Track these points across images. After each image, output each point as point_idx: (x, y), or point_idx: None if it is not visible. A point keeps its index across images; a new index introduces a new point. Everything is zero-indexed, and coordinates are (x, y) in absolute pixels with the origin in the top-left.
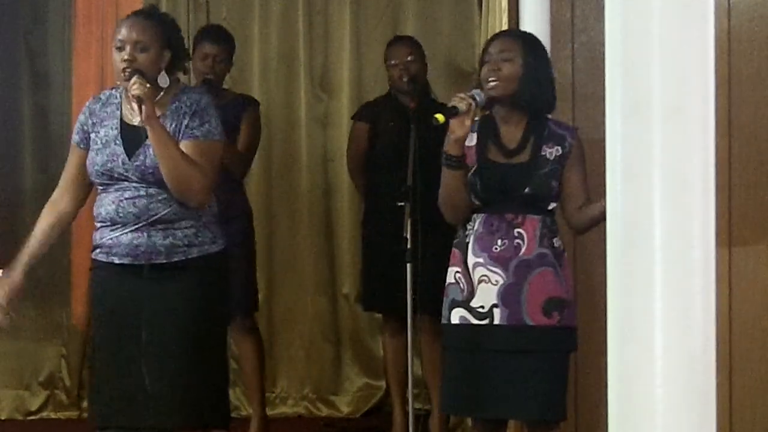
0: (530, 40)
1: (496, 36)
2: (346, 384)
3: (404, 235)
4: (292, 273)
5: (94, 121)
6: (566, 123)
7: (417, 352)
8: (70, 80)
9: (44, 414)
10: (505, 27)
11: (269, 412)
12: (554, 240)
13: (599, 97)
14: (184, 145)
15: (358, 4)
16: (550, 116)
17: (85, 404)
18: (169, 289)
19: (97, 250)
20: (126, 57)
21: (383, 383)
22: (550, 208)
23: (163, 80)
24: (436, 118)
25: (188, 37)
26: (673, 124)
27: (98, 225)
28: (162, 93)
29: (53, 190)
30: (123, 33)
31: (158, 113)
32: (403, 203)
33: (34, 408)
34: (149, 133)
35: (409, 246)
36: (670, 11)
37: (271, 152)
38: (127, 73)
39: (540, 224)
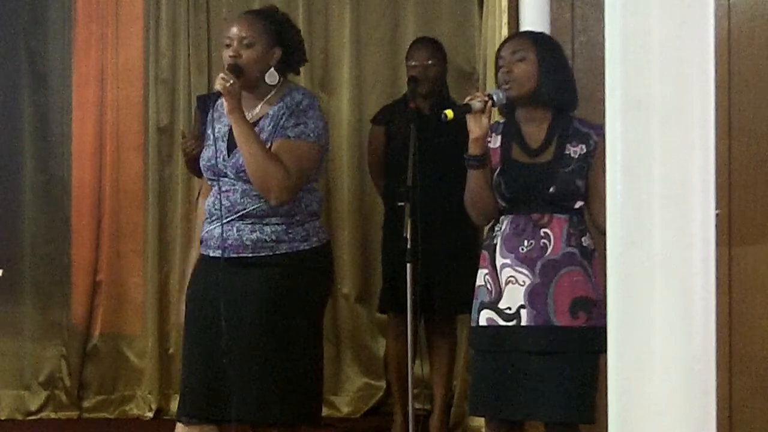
0: (543, 39)
1: (507, 39)
2: (346, 384)
3: (404, 235)
4: None
5: (214, 116)
6: (592, 122)
7: (418, 353)
8: (70, 80)
9: (44, 414)
10: (505, 27)
11: None
12: (583, 239)
13: (599, 97)
14: (276, 144)
15: (358, 4)
16: (576, 115)
17: (85, 404)
18: (253, 284)
19: (201, 243)
20: (231, 53)
21: (383, 383)
22: (576, 206)
23: (271, 77)
24: (445, 114)
25: (188, 37)
26: (673, 124)
27: (204, 219)
28: (272, 92)
29: (53, 190)
30: (230, 30)
31: (264, 112)
32: (402, 203)
33: (34, 408)
34: (233, 127)
35: (409, 246)
36: (670, 11)
37: None
38: (230, 68)
39: (567, 224)
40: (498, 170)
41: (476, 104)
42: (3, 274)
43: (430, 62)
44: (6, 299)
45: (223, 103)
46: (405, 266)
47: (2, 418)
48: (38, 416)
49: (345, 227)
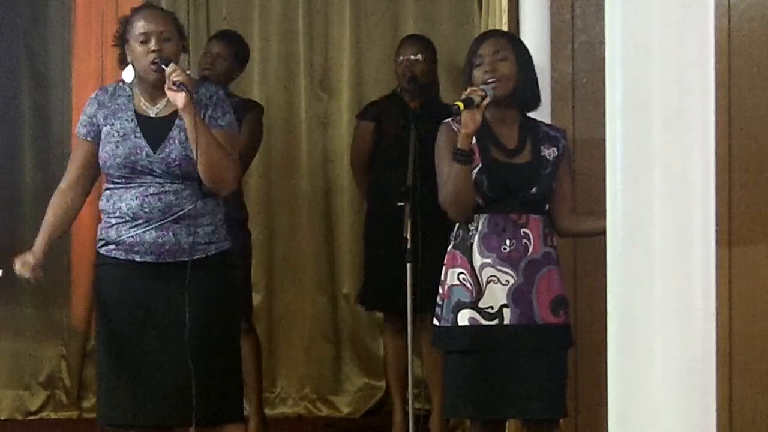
0: (517, 40)
1: (483, 37)
2: (346, 384)
3: (404, 235)
4: (292, 273)
5: (106, 113)
6: (555, 125)
7: (417, 352)
8: (70, 80)
9: (44, 414)
10: (505, 27)
11: (269, 412)
12: (554, 239)
13: (599, 97)
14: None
15: (358, 4)
16: (540, 119)
17: (85, 404)
18: (191, 287)
19: (111, 246)
20: (153, 48)
21: (383, 383)
22: (546, 208)
23: None
24: (457, 106)
25: (188, 37)
26: (673, 124)
27: (113, 221)
28: None
29: (53, 190)
30: (145, 25)
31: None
32: (402, 203)
33: (34, 408)
34: (187, 120)
35: (409, 246)
36: (670, 11)
37: (271, 152)
38: (156, 64)
39: (542, 224)
40: (479, 168)
41: (476, 98)
42: (3, 274)
43: (419, 57)
44: (6, 299)
45: (109, 100)
46: (391, 264)
47: (2, 418)
48: (38, 416)
49: (345, 227)
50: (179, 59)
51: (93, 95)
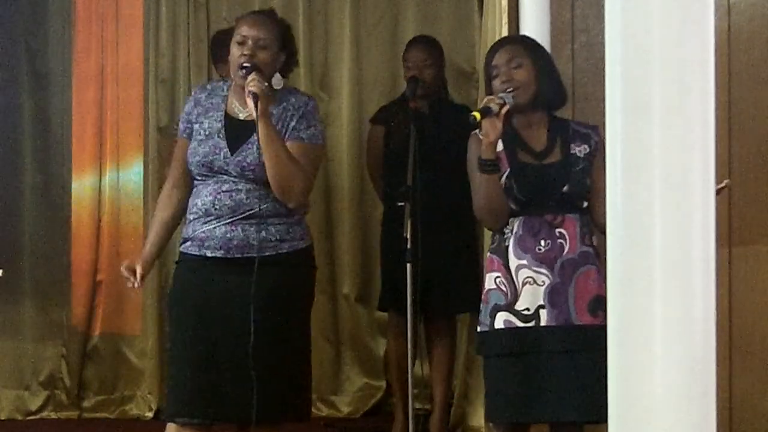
0: (532, 43)
1: (497, 47)
2: (346, 384)
3: (404, 235)
4: None
5: (199, 111)
6: (586, 123)
7: (418, 353)
8: (70, 80)
9: (44, 414)
10: (505, 27)
11: None
12: (593, 238)
13: (599, 97)
14: (290, 146)
15: (358, 4)
16: (570, 119)
17: (85, 404)
18: (260, 284)
19: (188, 243)
20: (246, 52)
21: (383, 383)
22: (584, 206)
23: (278, 82)
24: (474, 116)
25: (188, 37)
26: (673, 124)
27: (191, 218)
28: (269, 93)
29: (53, 190)
30: (246, 29)
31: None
32: (402, 204)
33: (34, 408)
34: (259, 130)
35: (409, 246)
36: (670, 11)
37: None
38: (245, 68)
39: (579, 223)
40: (507, 173)
41: (494, 107)
42: (3, 274)
43: (427, 62)
44: (6, 299)
45: (206, 98)
46: (404, 265)
47: (2, 418)
48: (38, 416)
49: (345, 227)
50: (273, 69)
51: (193, 93)
